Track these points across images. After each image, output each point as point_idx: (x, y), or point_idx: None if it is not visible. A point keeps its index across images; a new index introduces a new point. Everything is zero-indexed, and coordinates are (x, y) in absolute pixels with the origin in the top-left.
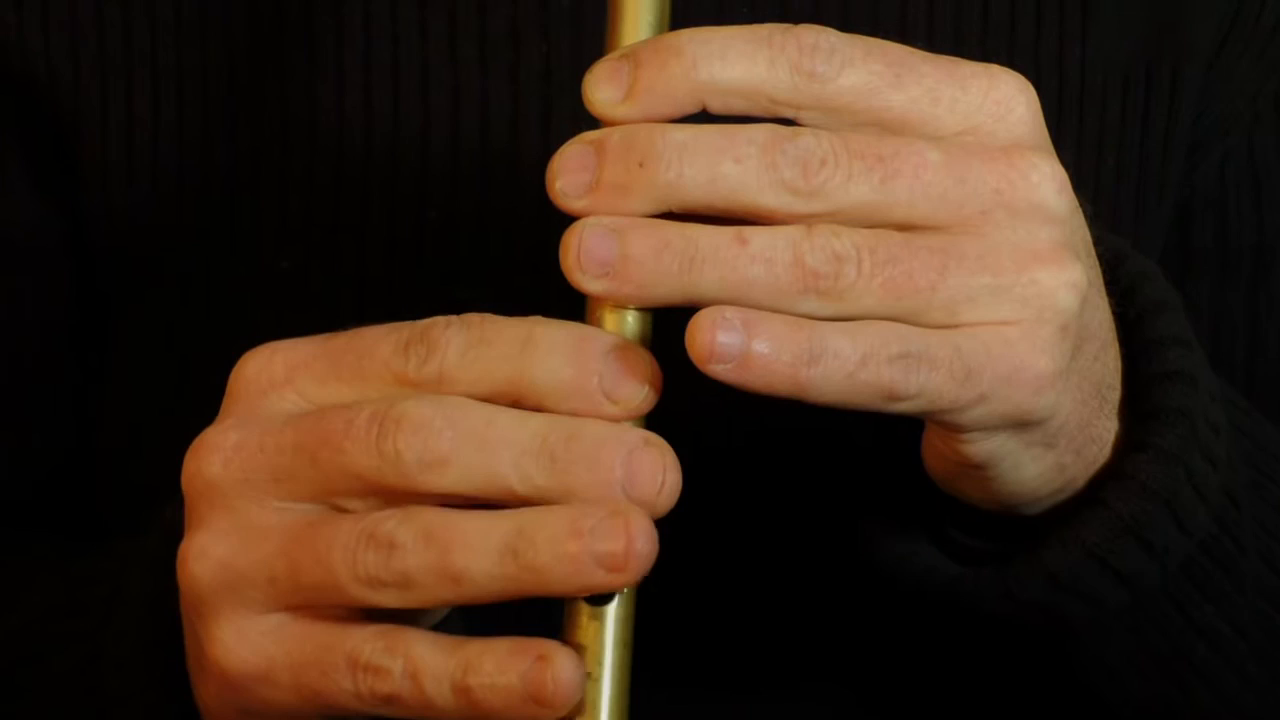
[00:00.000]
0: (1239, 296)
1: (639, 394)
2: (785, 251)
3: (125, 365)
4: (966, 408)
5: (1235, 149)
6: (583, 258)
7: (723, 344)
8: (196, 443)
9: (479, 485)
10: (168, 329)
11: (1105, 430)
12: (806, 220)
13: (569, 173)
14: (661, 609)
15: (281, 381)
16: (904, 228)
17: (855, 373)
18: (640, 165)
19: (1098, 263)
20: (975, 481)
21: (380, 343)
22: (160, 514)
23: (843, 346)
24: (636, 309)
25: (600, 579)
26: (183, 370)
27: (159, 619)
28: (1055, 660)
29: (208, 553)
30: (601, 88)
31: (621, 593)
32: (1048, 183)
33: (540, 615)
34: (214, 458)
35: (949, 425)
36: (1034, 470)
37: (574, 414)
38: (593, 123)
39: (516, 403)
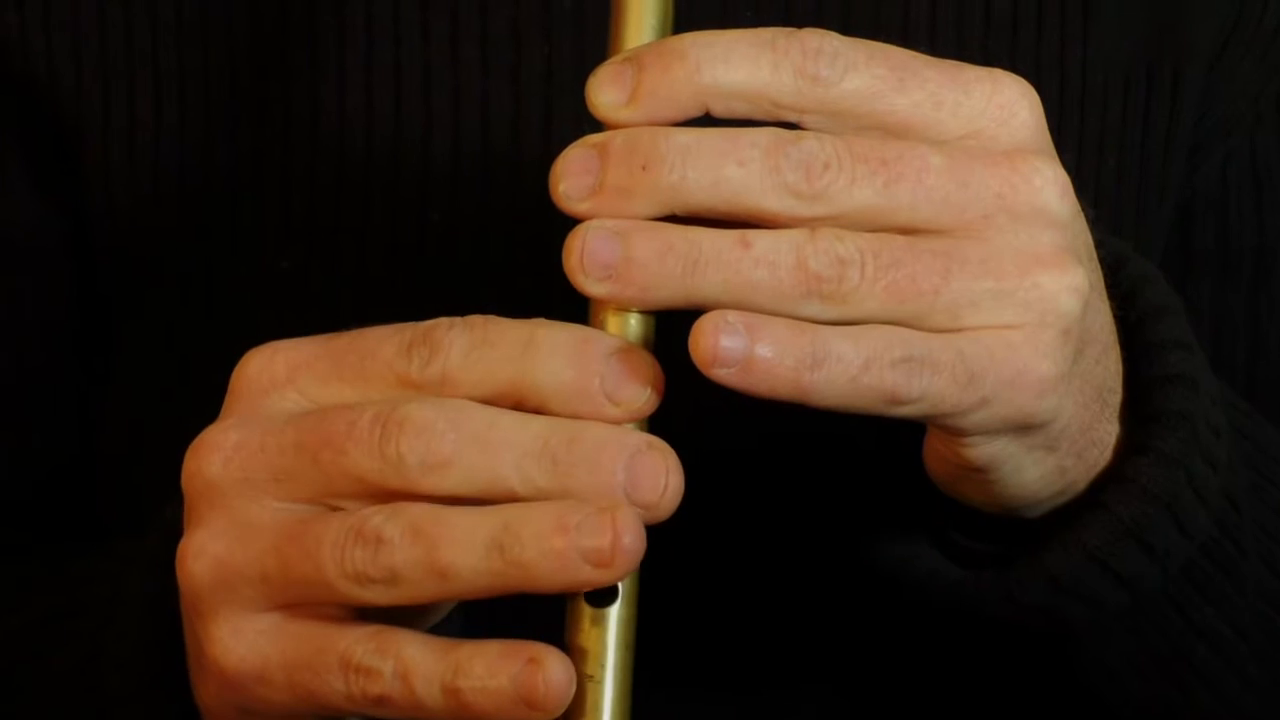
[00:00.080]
0: (1240, 298)
1: (641, 396)
2: (788, 255)
3: (126, 366)
4: (969, 411)
5: (1237, 150)
6: (586, 260)
7: (726, 348)
8: (197, 442)
9: (481, 488)
10: (169, 329)
11: (1106, 433)
12: (809, 224)
13: (572, 176)
14: (663, 611)
15: (283, 381)
16: (907, 232)
17: (858, 377)
18: (643, 168)
19: (1099, 266)
20: (977, 485)
21: (383, 343)
22: (160, 514)
23: (845, 351)
24: (639, 312)
25: (587, 575)
26: (184, 371)
27: (159, 619)
28: (1056, 662)
29: (206, 551)
30: (605, 91)
31: (623, 595)
32: (1050, 187)
33: (542, 618)
34: (214, 457)
35: (951, 429)
36: (1035, 473)
37: (576, 416)
38: (595, 124)
39: (519, 405)
